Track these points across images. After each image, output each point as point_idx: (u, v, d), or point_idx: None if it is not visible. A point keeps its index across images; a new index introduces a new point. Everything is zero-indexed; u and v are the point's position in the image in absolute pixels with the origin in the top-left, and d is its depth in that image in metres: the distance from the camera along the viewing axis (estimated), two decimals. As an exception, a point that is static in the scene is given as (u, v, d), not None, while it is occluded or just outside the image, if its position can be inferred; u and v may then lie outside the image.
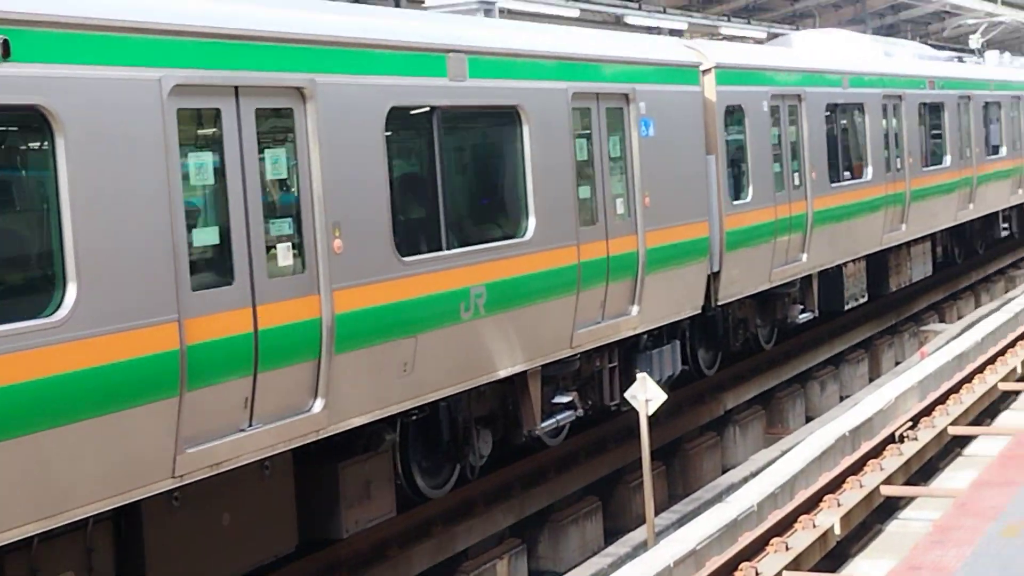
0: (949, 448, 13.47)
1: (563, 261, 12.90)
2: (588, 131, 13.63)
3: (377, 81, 10.48)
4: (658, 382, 14.33)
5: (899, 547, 10.29)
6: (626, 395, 12.71)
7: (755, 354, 19.44)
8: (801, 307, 19.12)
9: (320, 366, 9.67)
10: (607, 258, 13.62)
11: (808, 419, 19.51)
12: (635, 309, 14.15)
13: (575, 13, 26.69)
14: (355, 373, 10.05)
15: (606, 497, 14.97)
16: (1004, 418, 14.66)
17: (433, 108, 11.28)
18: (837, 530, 10.67)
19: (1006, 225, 30.90)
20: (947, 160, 25.20)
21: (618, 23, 28.33)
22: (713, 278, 16.00)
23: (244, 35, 9.18)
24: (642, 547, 12.69)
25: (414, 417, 11.78)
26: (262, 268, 9.19)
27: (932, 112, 24.85)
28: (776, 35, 28.74)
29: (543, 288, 12.56)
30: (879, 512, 11.56)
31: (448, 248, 11.33)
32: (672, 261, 14.85)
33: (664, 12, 30.67)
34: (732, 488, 14.18)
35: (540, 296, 12.51)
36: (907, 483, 12.18)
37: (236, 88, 9.05)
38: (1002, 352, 17.22)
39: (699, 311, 15.86)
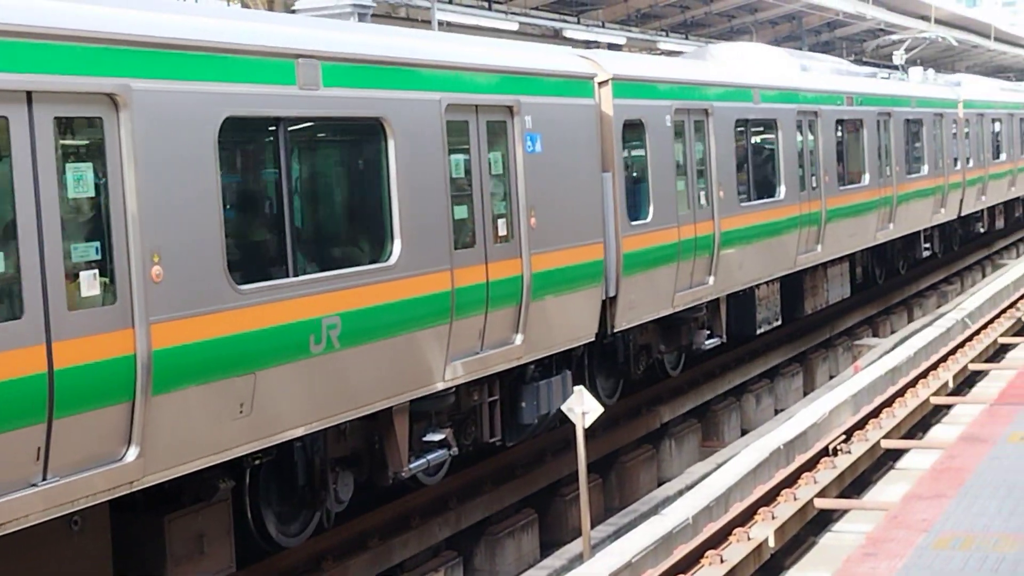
0: (882, 461, 13.60)
1: (434, 287, 11.80)
2: (465, 146, 12.55)
3: (209, 88, 9.34)
4: (546, 415, 14.09)
5: (833, 559, 10.36)
6: (563, 408, 12.71)
7: (660, 382, 19.33)
8: (708, 333, 18.20)
9: (134, 409, 8.56)
10: (486, 284, 12.55)
11: (743, 432, 19.61)
12: (519, 338, 13.10)
13: (514, 27, 26.78)
14: (177, 416, 8.92)
15: (542, 509, 14.96)
16: (936, 432, 14.81)
17: (279, 119, 10.17)
18: (772, 543, 10.74)
19: (927, 245, 30.05)
20: (866, 178, 24.36)
21: (557, 36, 28.45)
22: (609, 303, 15.05)
23: (39, 33, 8.05)
24: (578, 560, 12.70)
25: (257, 462, 10.64)
26: (60, 299, 8.05)
27: (850, 129, 23.98)
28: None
29: (410, 317, 11.44)
30: (813, 525, 11.65)
31: (295, 275, 10.18)
32: (561, 286, 13.87)
33: (603, 27, 30.84)
34: (668, 501, 14.23)
35: (407, 326, 11.37)
36: (841, 496, 12.28)
37: (29, 93, 7.93)
38: (934, 367, 17.41)
39: (593, 338, 14.92)
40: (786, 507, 11.42)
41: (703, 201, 17.61)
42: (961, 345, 18.95)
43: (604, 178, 15.00)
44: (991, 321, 21.15)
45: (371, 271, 11.00)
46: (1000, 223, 38.37)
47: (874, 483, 13.02)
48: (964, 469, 11.11)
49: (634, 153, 16.10)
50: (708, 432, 19.22)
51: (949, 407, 15.72)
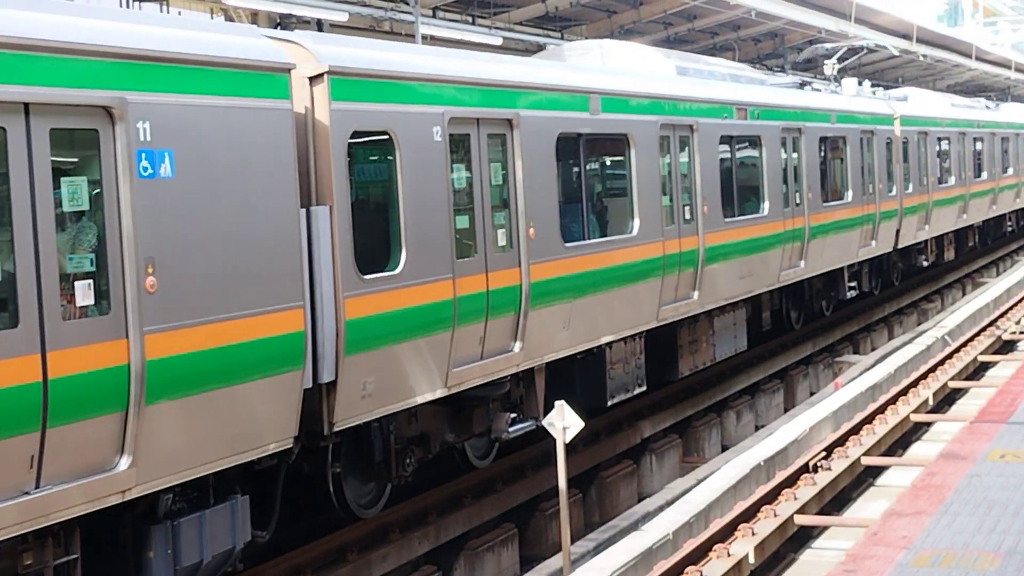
0: (862, 478, 13.61)
1: None
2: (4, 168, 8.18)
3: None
4: (199, 565, 9.73)
5: (812, 576, 10.38)
6: (544, 423, 12.69)
7: (641, 396, 19.38)
8: (513, 415, 14.04)
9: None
10: (44, 384, 8.18)
11: (724, 448, 19.61)
12: (124, 461, 8.75)
13: (498, 41, 26.81)
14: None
15: (522, 524, 14.94)
16: (916, 449, 14.83)
17: None
18: (751, 559, 10.74)
19: (853, 283, 26.04)
20: (765, 208, 20.33)
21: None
22: (324, 392, 10.84)
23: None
24: (558, 575, 12.68)
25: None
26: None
27: (744, 148, 20.16)
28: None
29: None
30: (793, 541, 11.65)
31: None
32: (211, 378, 9.43)
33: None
34: (648, 516, 14.21)
35: None
36: (820, 512, 12.29)
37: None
38: (914, 384, 17.45)
39: (291, 443, 10.37)
40: (766, 523, 11.43)
41: (502, 241, 13.36)
42: (941, 363, 19.00)
43: (311, 215, 10.72)
44: (971, 339, 21.21)
45: None
46: (950, 254, 34.40)
47: (854, 500, 13.03)
48: (944, 486, 11.13)
49: (371, 178, 12.36)
50: (689, 448, 19.22)
51: (929, 424, 15.75)
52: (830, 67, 31.15)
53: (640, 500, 16.76)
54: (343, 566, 12.36)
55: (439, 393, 12.31)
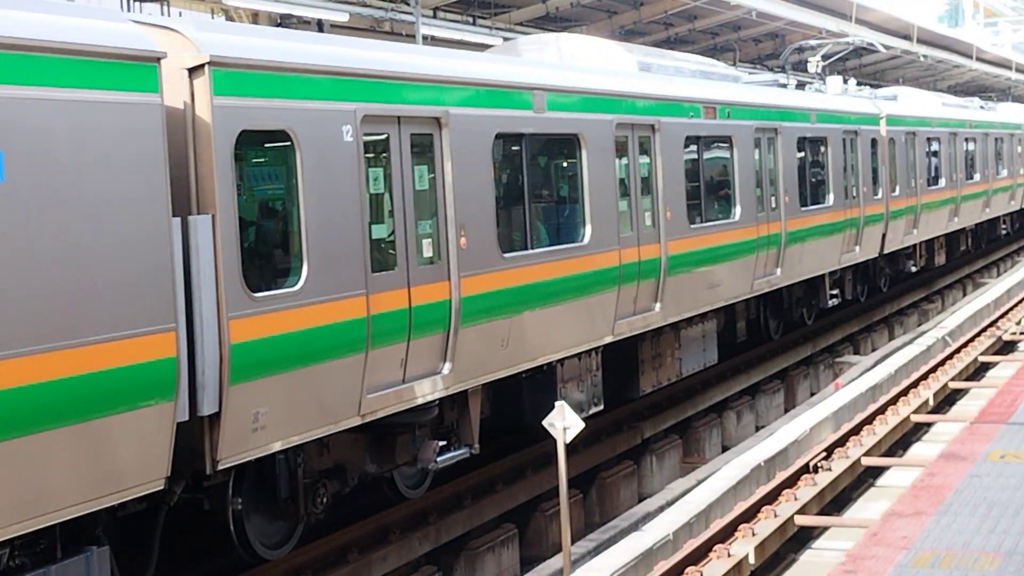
0: (862, 479, 13.62)
1: None
2: None
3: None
4: None
5: (812, 576, 10.38)
6: (544, 423, 12.69)
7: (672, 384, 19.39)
8: (443, 443, 12.83)
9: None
10: None
11: (724, 449, 19.61)
12: None
13: (499, 42, 26.82)
14: None
15: (523, 525, 14.94)
16: (916, 449, 14.84)
17: None
18: (751, 559, 10.75)
19: (835, 291, 24.47)
20: (736, 213, 18.96)
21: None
22: (206, 425, 9.54)
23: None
24: (558, 575, 12.69)
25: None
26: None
27: (714, 149, 18.77)
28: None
29: None
30: (793, 541, 11.66)
31: None
32: (55, 414, 8.16)
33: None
34: (648, 517, 14.22)
35: None
36: (821, 513, 12.29)
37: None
38: (915, 384, 17.46)
39: (161, 485, 9.05)
40: (766, 524, 11.44)
41: (428, 253, 12.17)
42: (942, 363, 19.01)
43: (189, 225, 9.39)
44: (972, 339, 21.22)
45: None
46: (940, 259, 33.16)
47: (854, 500, 13.04)
48: (944, 487, 11.13)
49: (266, 185, 11.06)
50: (689, 448, 19.22)
51: (929, 425, 15.75)
52: (814, 65, 30.21)
53: (640, 500, 16.76)
54: (344, 566, 12.36)
55: (352, 422, 10.94)
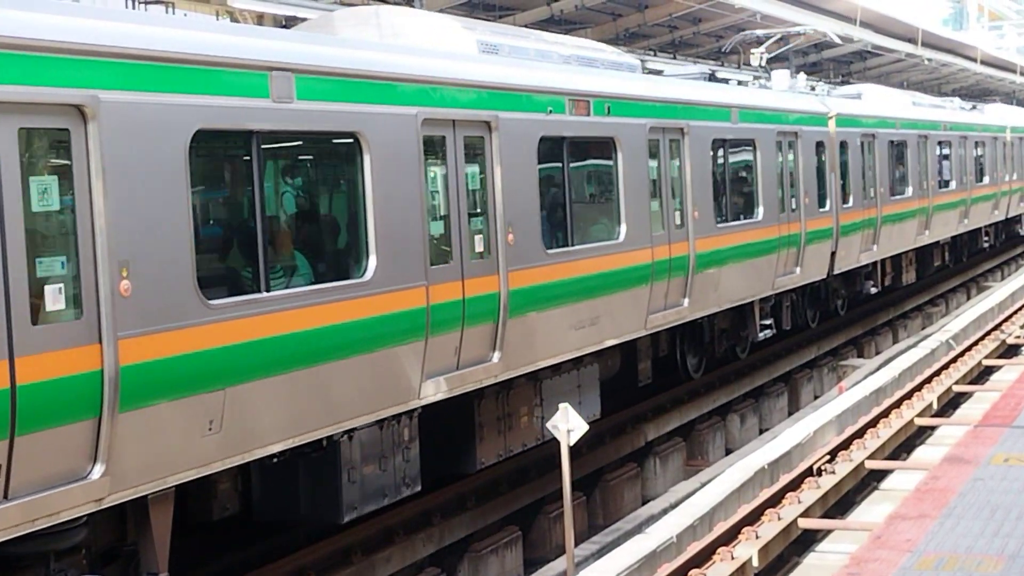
0: (866, 482, 13.63)
1: None
2: None
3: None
4: None
5: (816, 579, 10.39)
6: (548, 425, 12.69)
7: (679, 385, 19.44)
8: None
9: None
10: None
11: (728, 451, 19.62)
12: None
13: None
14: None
15: (526, 527, 14.94)
16: (920, 453, 14.84)
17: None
18: (755, 562, 10.76)
19: (768, 321, 20.88)
20: (621, 233, 15.08)
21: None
22: None
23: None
24: (562, 577, 12.70)
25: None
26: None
27: (588, 155, 15.19)
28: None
29: None
30: (797, 544, 11.67)
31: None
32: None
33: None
34: (652, 519, 14.23)
35: None
36: (824, 516, 12.30)
37: None
38: (918, 388, 17.47)
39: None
40: (770, 527, 11.44)
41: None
42: (946, 367, 19.02)
43: None
44: (975, 343, 21.24)
45: None
46: (909, 277, 29.69)
47: (858, 503, 13.05)
48: (948, 490, 11.13)
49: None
50: (693, 451, 19.23)
51: (933, 428, 15.76)
52: (757, 57, 26.36)
53: (644, 503, 16.77)
54: (347, 568, 12.37)
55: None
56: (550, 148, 14.02)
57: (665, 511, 14.48)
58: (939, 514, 10.40)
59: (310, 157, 11.47)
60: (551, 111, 13.98)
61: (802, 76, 25.97)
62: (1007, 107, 45.31)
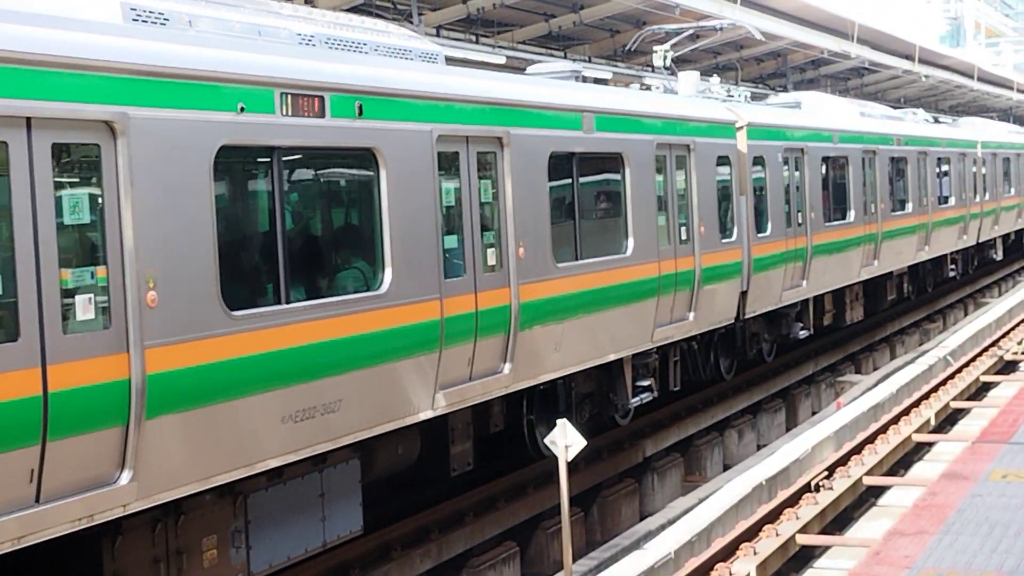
0: (864, 498, 13.62)
1: None
2: None
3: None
4: None
5: (814, 595, 10.38)
6: (546, 440, 12.69)
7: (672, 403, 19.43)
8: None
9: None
10: None
11: (726, 467, 19.61)
12: None
13: (501, 60, 26.92)
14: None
15: (524, 542, 14.93)
16: (918, 468, 14.83)
17: None
18: (753, 578, 10.74)
19: (648, 382, 16.68)
20: (385, 281, 11.12)
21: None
22: None
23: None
24: (559, 593, 12.69)
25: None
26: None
27: (334, 170, 11.31)
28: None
29: None
30: (795, 561, 11.65)
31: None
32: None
33: (590, 61, 30.98)
34: (650, 535, 14.22)
35: None
36: (822, 532, 12.29)
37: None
38: (916, 403, 17.47)
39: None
40: (768, 543, 11.44)
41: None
42: (943, 383, 19.02)
43: None
44: (973, 359, 21.23)
45: None
46: (856, 314, 25.77)
47: (856, 519, 13.03)
48: (946, 506, 11.13)
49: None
50: (691, 467, 19.22)
51: (931, 444, 15.75)
52: (660, 57, 22.60)
53: (642, 519, 16.76)
54: (345, 583, 12.36)
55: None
56: (265, 167, 10.35)
57: (663, 527, 14.47)
58: (937, 530, 10.40)
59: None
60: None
61: (715, 79, 22.07)
62: (983, 120, 41.78)
